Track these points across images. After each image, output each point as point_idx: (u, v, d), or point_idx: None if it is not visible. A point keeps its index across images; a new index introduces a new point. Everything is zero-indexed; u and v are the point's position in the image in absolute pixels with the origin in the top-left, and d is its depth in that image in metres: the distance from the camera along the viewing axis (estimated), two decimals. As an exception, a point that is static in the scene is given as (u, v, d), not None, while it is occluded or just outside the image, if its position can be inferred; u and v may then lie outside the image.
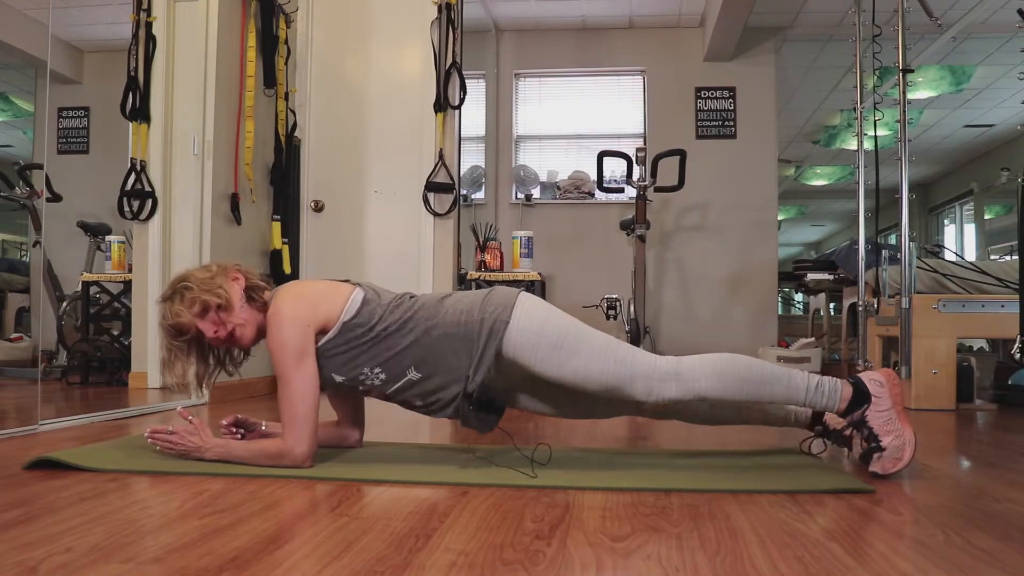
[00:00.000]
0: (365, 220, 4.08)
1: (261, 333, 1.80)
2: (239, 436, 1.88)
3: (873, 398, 1.71)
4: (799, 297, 8.88)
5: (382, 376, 1.75)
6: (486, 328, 1.70)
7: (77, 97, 4.35)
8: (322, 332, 1.73)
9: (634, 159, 4.48)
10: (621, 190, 5.02)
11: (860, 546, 1.18)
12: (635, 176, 4.51)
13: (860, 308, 3.83)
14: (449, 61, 3.94)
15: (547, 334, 1.69)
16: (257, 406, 3.09)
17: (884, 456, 1.68)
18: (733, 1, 4.97)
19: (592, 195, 5.90)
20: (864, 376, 1.75)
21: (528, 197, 5.93)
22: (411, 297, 1.81)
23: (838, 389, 1.72)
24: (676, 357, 1.73)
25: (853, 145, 5.78)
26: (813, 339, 5.51)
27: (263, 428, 1.94)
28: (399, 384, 1.75)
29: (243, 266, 1.84)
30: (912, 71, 3.45)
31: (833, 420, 1.89)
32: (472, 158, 5.91)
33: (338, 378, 1.77)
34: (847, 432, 1.80)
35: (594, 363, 1.68)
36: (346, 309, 1.73)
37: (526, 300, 1.75)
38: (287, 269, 3.83)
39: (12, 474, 1.65)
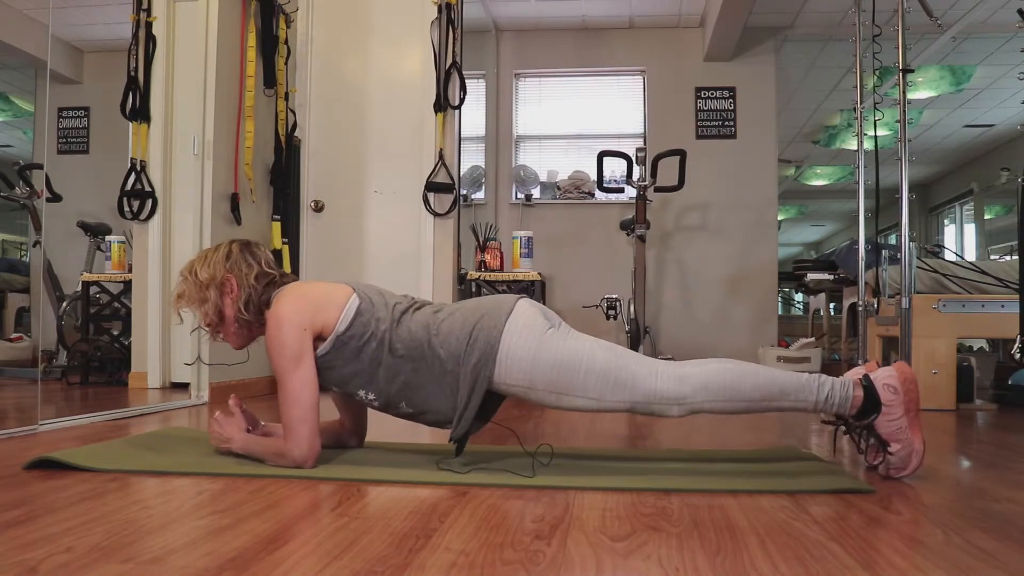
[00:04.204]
0: (365, 220, 4.08)
1: (256, 333, 1.84)
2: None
3: (884, 407, 1.64)
4: (799, 297, 8.88)
5: (376, 403, 1.79)
6: (470, 380, 1.66)
7: (77, 97, 4.35)
8: (319, 339, 1.73)
9: (634, 159, 4.48)
10: (621, 190, 5.02)
11: (860, 546, 1.18)
12: (635, 176, 4.51)
13: (860, 308, 3.83)
14: (449, 61, 3.94)
15: (537, 379, 1.65)
16: (257, 406, 3.09)
17: (890, 462, 1.67)
18: (733, 1, 4.97)
19: (592, 195, 5.90)
20: (878, 378, 1.66)
21: (528, 197, 5.93)
22: (403, 312, 1.76)
23: (849, 397, 1.65)
24: (679, 373, 1.66)
25: (853, 145, 5.78)
26: (813, 339, 5.51)
27: (263, 425, 1.95)
28: (393, 411, 1.79)
29: (249, 271, 1.80)
30: (912, 71, 3.45)
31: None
32: (472, 158, 5.91)
33: (336, 389, 1.80)
34: (858, 432, 1.73)
35: (591, 401, 1.66)
36: (341, 319, 1.72)
37: (511, 340, 1.66)
38: (287, 269, 3.83)
39: (12, 474, 1.65)
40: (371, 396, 1.77)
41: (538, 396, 1.68)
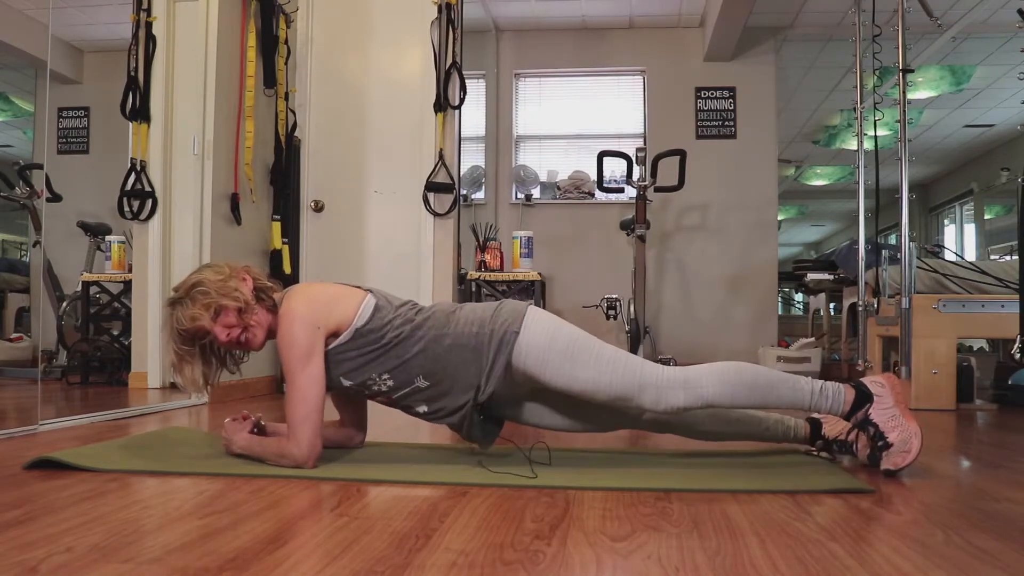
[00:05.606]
0: (365, 220, 4.08)
1: (270, 334, 1.82)
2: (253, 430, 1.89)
3: (875, 397, 1.73)
4: (799, 297, 8.88)
5: (390, 383, 1.77)
6: (496, 339, 1.71)
7: (77, 97, 4.35)
8: (333, 335, 1.74)
9: (634, 159, 4.48)
10: (621, 190, 5.02)
11: (860, 546, 1.18)
12: (635, 176, 4.50)
13: (860, 308, 3.83)
14: (449, 61, 3.94)
15: (556, 345, 1.71)
16: (257, 406, 3.09)
17: (892, 451, 1.69)
18: (733, 1, 4.97)
19: (592, 195, 5.90)
20: (865, 379, 1.78)
21: (528, 197, 5.93)
22: (420, 308, 1.84)
23: (841, 392, 1.75)
24: (683, 366, 1.75)
25: (853, 145, 5.78)
26: (813, 339, 5.51)
27: (264, 424, 1.95)
28: (406, 391, 1.78)
29: (252, 268, 1.84)
30: (912, 71, 3.45)
31: (832, 430, 1.90)
32: (472, 158, 5.90)
33: (346, 382, 1.79)
34: (850, 436, 1.83)
35: (603, 374, 1.69)
36: (359, 314, 1.74)
37: (535, 312, 1.76)
38: (287, 269, 3.83)
39: (12, 474, 1.65)
40: (385, 376, 1.76)
41: (554, 367, 1.70)
